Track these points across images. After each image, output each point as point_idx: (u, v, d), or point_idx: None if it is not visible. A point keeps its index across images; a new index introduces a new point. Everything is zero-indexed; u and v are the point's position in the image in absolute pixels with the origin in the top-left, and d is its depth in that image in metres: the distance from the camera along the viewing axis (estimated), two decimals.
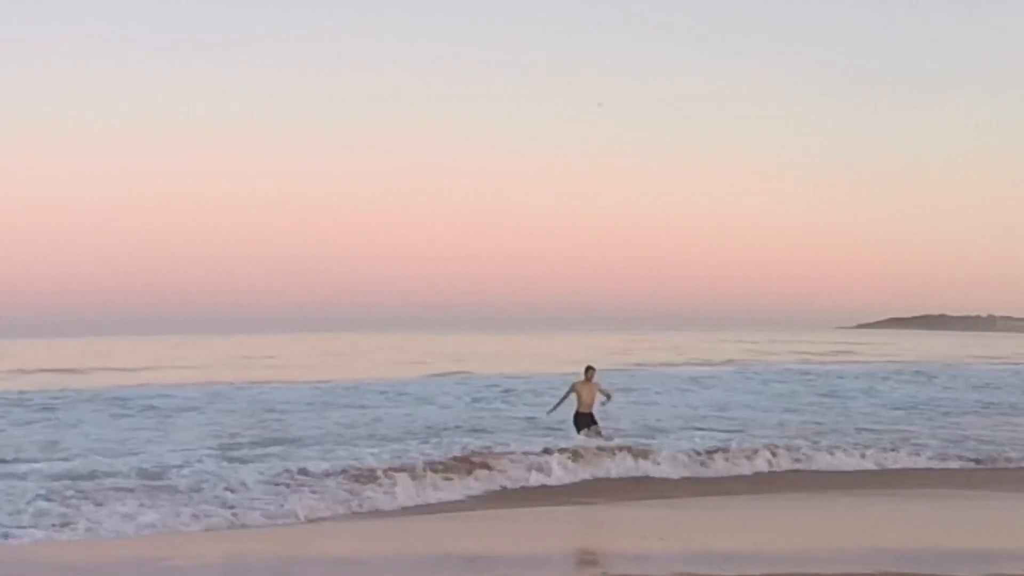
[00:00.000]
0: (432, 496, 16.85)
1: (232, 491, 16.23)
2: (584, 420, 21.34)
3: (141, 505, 15.11)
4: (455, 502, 16.73)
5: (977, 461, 21.49)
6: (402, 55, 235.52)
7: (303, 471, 17.82)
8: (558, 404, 21.80)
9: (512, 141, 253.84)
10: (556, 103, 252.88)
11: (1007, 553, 11.19)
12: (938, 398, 36.71)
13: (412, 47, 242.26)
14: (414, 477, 17.63)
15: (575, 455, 19.76)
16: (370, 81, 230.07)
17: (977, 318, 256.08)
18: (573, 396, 21.59)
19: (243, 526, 14.31)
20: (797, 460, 20.90)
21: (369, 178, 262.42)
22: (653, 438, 22.82)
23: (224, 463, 18.73)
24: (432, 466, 18.54)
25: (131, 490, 16.23)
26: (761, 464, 20.51)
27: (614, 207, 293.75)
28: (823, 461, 20.95)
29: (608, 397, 21.62)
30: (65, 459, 19.60)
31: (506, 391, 36.68)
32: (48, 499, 15.21)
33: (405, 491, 16.80)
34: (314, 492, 16.38)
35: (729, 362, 61.23)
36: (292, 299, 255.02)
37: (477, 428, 25.26)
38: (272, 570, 11.04)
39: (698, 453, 20.79)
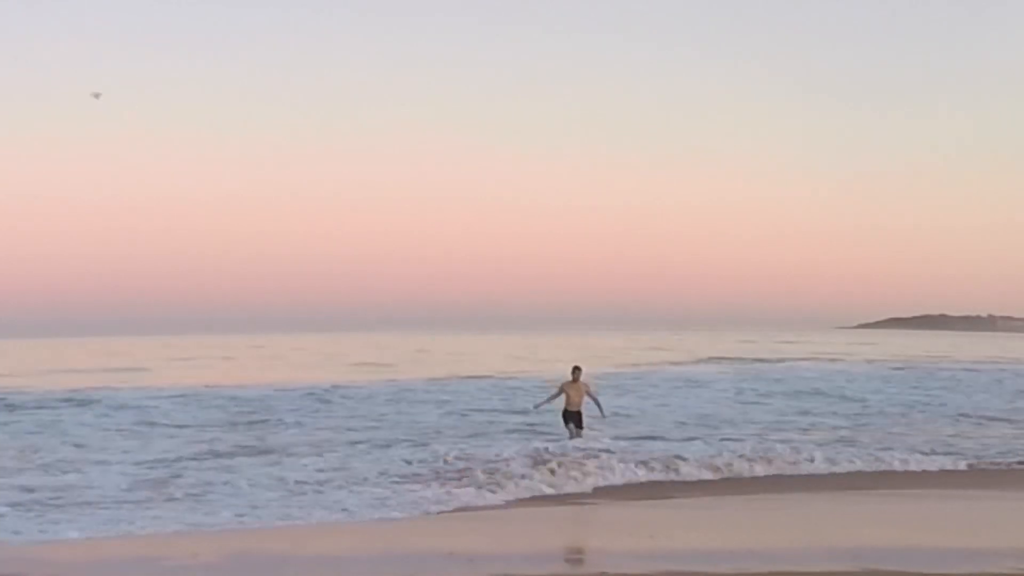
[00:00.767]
0: (430, 500, 16.83)
1: (230, 492, 16.28)
2: (572, 417, 21.77)
3: (139, 506, 15.16)
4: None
5: (968, 462, 21.48)
6: (402, 55, 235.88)
7: (299, 473, 17.88)
8: (545, 401, 22.24)
9: (512, 141, 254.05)
10: (557, 103, 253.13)
11: (993, 551, 11.30)
12: (936, 399, 36.73)
13: (412, 47, 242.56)
14: (412, 482, 17.65)
15: (572, 459, 19.74)
16: (370, 81, 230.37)
17: (977, 318, 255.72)
18: (562, 396, 21.92)
19: (242, 527, 14.32)
20: (791, 461, 20.87)
21: (369, 178, 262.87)
22: (652, 440, 22.85)
23: (220, 465, 18.76)
24: (429, 470, 18.58)
25: (127, 490, 16.31)
26: (759, 466, 20.50)
27: (614, 207, 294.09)
28: (818, 462, 20.94)
29: (601, 411, 21.70)
30: (62, 460, 19.64)
31: (504, 392, 36.66)
32: (42, 500, 15.27)
33: (402, 496, 16.79)
34: (312, 494, 16.41)
35: (729, 362, 61.22)
36: (291, 299, 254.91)
37: (474, 431, 25.29)
38: (272, 570, 11.07)
39: (698, 457, 20.76)
